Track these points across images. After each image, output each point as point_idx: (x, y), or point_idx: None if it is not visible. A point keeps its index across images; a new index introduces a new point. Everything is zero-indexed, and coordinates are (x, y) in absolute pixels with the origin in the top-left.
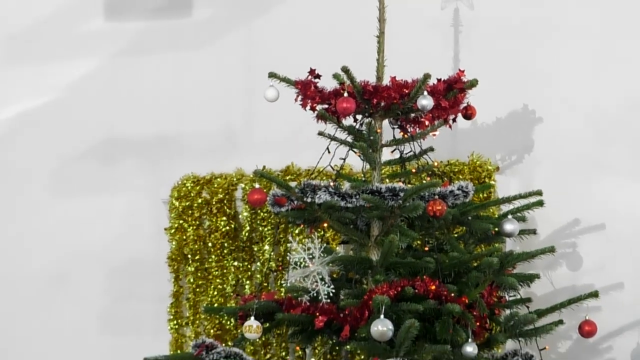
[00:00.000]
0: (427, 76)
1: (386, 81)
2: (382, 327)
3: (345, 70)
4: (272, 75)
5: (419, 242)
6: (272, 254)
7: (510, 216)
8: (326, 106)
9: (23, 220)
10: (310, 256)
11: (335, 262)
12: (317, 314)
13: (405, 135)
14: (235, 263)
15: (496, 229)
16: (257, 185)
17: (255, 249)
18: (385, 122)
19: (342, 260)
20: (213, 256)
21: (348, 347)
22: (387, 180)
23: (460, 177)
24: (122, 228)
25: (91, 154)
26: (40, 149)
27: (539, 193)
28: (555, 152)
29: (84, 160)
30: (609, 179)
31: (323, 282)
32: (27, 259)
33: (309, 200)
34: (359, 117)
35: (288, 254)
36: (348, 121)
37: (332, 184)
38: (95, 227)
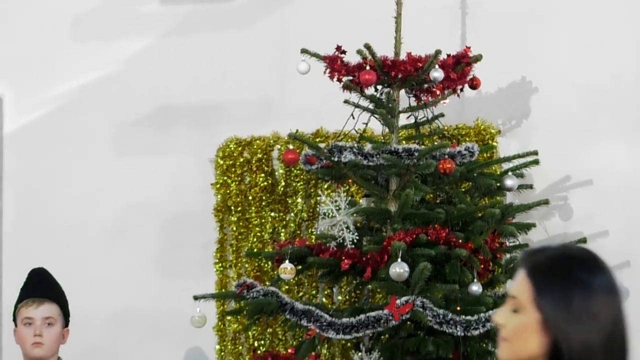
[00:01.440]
0: (438, 52)
1: (403, 56)
2: (399, 269)
3: (367, 46)
4: (304, 51)
5: (430, 195)
6: (304, 206)
7: (510, 173)
8: (351, 78)
9: (89, 178)
10: (337, 207)
11: (359, 212)
12: (343, 257)
13: (419, 103)
14: (272, 214)
15: (498, 184)
16: (290, 147)
17: (290, 201)
18: (402, 91)
19: (364, 211)
20: (253, 208)
21: (370, 286)
22: (404, 142)
23: (467, 139)
24: (174, 184)
25: (147, 120)
26: (103, 115)
27: (535, 153)
28: (549, 118)
29: (141, 126)
30: (596, 142)
31: (348, 230)
32: (93, 211)
33: (335, 159)
34: (379, 87)
35: (318, 205)
36: (370, 91)
37: (355, 145)
38: (150, 184)
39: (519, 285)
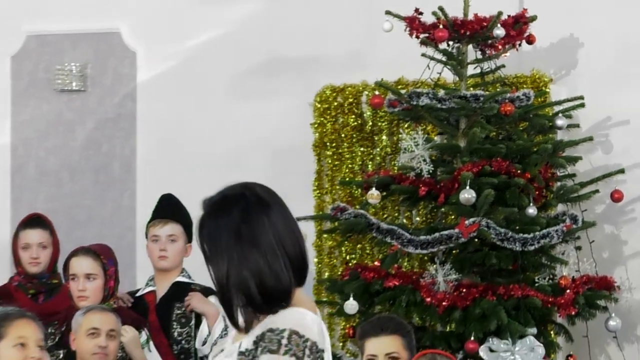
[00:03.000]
0: (500, 13)
1: (470, 17)
2: (467, 195)
3: (441, 8)
4: (388, 12)
5: (493, 133)
6: (387, 142)
7: (560, 114)
8: (427, 35)
9: (208, 118)
10: (416, 143)
11: (434, 148)
12: (420, 185)
13: (484, 56)
14: (361, 149)
15: (550, 124)
16: (377, 93)
17: (376, 138)
18: (470, 46)
19: (438, 146)
20: (345, 144)
21: (443, 209)
22: (471, 88)
23: (524, 86)
24: (279, 124)
25: (257, 70)
26: (220, 66)
27: (581, 98)
28: (593, 68)
29: (252, 75)
30: (633, 87)
31: (425, 163)
32: (212, 146)
33: (414, 103)
34: (450, 43)
35: (399, 142)
36: (442, 46)
37: (431, 91)
38: (260, 124)
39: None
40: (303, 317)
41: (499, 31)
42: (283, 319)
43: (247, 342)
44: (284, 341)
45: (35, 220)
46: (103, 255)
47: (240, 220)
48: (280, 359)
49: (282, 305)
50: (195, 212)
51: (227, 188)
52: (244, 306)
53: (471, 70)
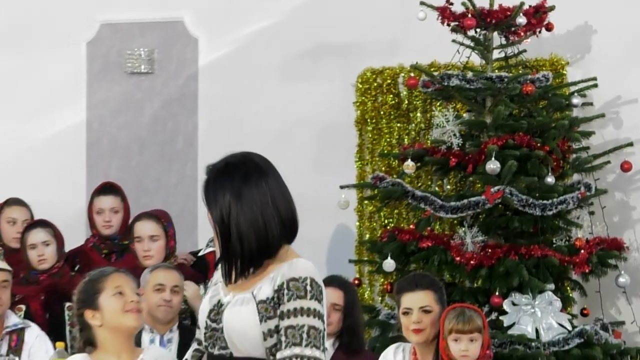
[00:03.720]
0: (522, 4)
1: (495, 7)
2: (493, 165)
3: None
4: (422, 3)
5: (516, 110)
6: (422, 118)
7: (575, 94)
8: (457, 23)
9: (262, 98)
10: (447, 120)
11: (463, 123)
12: (451, 157)
13: (508, 42)
14: (398, 124)
15: (567, 102)
16: (412, 74)
17: (411, 115)
18: (495, 33)
19: (466, 122)
20: (384, 120)
21: (471, 178)
22: (496, 70)
23: (543, 68)
24: (325, 102)
25: (305, 55)
26: (272, 51)
27: (595, 79)
28: (606, 53)
29: (300, 59)
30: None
31: (455, 137)
32: (265, 123)
33: (445, 84)
34: (478, 30)
35: (432, 118)
36: (471, 33)
37: (460, 73)
38: (307, 102)
39: None
40: (313, 267)
41: (521, 20)
42: (302, 269)
43: (264, 290)
44: (309, 288)
45: (107, 188)
46: (163, 218)
47: (241, 183)
48: (308, 303)
49: (267, 258)
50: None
51: (229, 156)
52: (237, 259)
53: (496, 54)
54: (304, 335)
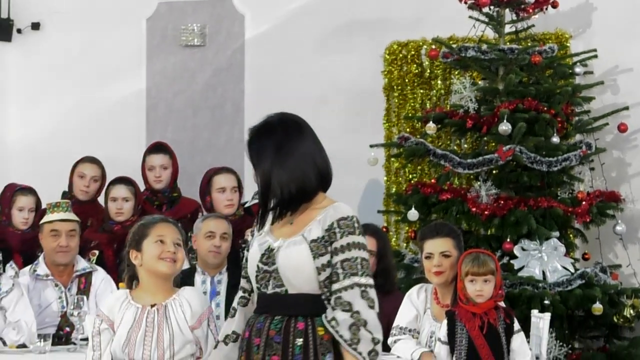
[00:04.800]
0: None
1: None
2: (504, 127)
3: None
4: None
5: (525, 78)
6: (442, 85)
7: (578, 64)
8: (473, 1)
9: (301, 67)
10: (464, 86)
11: (478, 90)
12: (468, 119)
13: (518, 17)
14: (421, 91)
15: (570, 71)
16: (433, 47)
17: (432, 82)
18: (507, 10)
19: (482, 89)
20: (408, 87)
21: (485, 138)
22: (508, 43)
23: (549, 41)
24: (356, 71)
25: (339, 29)
26: (309, 27)
27: (595, 50)
28: (605, 26)
29: (334, 33)
30: (636, 42)
31: (471, 101)
32: (303, 90)
33: (463, 55)
34: (491, 7)
35: (451, 85)
36: (485, 10)
37: (476, 45)
38: (342, 71)
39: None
40: (351, 208)
41: None
42: (347, 210)
43: (314, 231)
44: (356, 225)
45: (158, 147)
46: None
47: (281, 138)
48: (357, 238)
49: (303, 203)
50: None
51: (268, 116)
52: (277, 204)
53: (508, 29)
54: (359, 266)
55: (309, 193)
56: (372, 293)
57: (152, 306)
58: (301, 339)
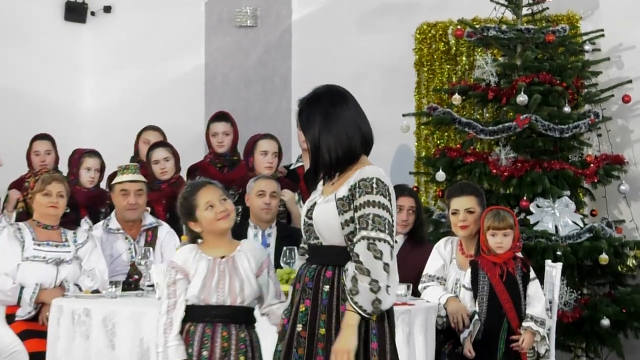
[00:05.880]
0: None
1: None
2: (522, 98)
3: None
4: None
5: (540, 55)
6: (466, 61)
7: (587, 42)
8: None
9: (342, 45)
10: (486, 62)
11: (498, 65)
12: (489, 91)
13: (534, 1)
14: (448, 66)
15: (580, 49)
16: (459, 27)
17: (458, 59)
18: None
19: (501, 64)
20: (436, 62)
21: (504, 108)
22: (525, 23)
23: (562, 22)
24: (391, 49)
25: (376, 10)
26: (350, 8)
27: (602, 30)
28: (611, 8)
29: (373, 14)
30: (638, 24)
31: (492, 75)
32: (344, 65)
33: (485, 34)
34: None
35: (474, 61)
36: None
37: (496, 26)
38: (378, 49)
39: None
40: (380, 171)
41: None
42: (369, 172)
43: (342, 191)
44: (374, 185)
45: (220, 116)
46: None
47: (328, 106)
48: (374, 197)
49: (350, 165)
50: None
51: (316, 88)
52: (326, 167)
53: (525, 11)
54: (369, 222)
55: (354, 156)
56: (381, 245)
57: (222, 257)
58: (328, 286)
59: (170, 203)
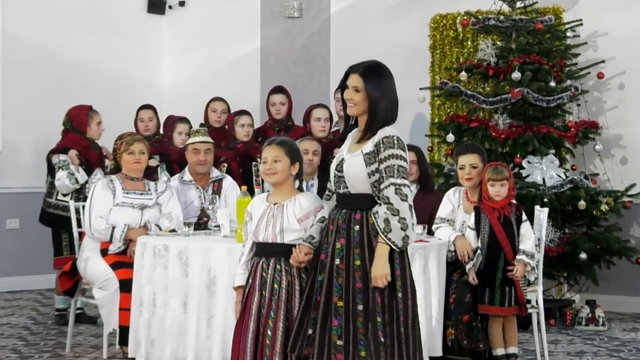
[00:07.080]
0: None
1: None
2: (516, 75)
3: None
4: None
5: (531, 40)
6: (471, 45)
7: (569, 29)
8: None
9: (370, 32)
10: (487, 46)
11: (497, 48)
12: (490, 69)
13: None
14: (456, 49)
15: (563, 35)
16: (465, 17)
17: (464, 43)
18: None
19: (499, 48)
20: (447, 46)
21: (502, 83)
22: (519, 14)
23: (548, 13)
24: (410, 35)
25: (399, 4)
26: (375, 2)
27: (580, 20)
28: (588, 3)
29: (396, 6)
30: (611, 13)
31: (492, 57)
32: (371, 48)
33: (486, 23)
34: None
35: (478, 45)
36: None
37: (495, 16)
38: (398, 34)
39: (356, 80)
40: (398, 131)
41: None
42: (389, 131)
43: (368, 147)
44: (395, 141)
45: (277, 88)
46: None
47: (389, 77)
48: (396, 150)
49: (388, 125)
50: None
51: (371, 61)
52: (378, 125)
53: (519, 4)
54: (395, 171)
55: (394, 119)
56: (406, 190)
57: (275, 204)
58: (358, 226)
59: (244, 159)
